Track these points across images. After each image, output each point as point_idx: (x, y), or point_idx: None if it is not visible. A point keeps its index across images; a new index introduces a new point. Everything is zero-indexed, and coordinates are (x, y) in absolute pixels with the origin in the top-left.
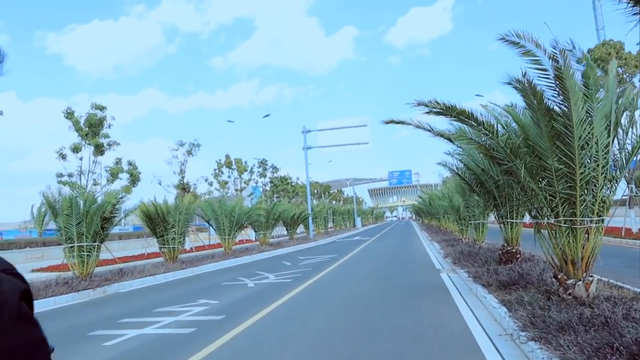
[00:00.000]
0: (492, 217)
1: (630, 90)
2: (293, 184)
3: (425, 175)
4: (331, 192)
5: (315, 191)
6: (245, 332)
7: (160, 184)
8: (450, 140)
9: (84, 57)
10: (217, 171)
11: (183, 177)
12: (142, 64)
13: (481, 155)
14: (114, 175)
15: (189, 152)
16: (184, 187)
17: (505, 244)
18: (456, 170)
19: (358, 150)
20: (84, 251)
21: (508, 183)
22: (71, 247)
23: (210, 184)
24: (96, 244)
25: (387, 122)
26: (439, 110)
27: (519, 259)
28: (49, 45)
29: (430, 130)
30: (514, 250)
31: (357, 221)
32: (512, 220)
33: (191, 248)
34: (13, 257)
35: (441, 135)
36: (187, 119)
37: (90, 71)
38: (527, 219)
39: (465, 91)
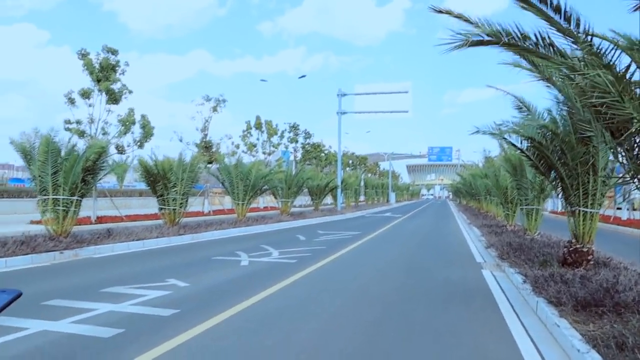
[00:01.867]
0: (549, 204)
1: None
2: (326, 152)
3: (466, 154)
4: (367, 164)
5: (350, 162)
6: (189, 343)
7: (181, 140)
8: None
9: (137, 15)
10: (245, 132)
11: (206, 135)
12: (192, 25)
13: (559, 116)
14: (126, 125)
15: (215, 109)
16: (206, 146)
17: (574, 240)
18: (515, 142)
19: (398, 123)
20: (59, 205)
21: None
22: (45, 200)
23: (237, 147)
24: (75, 198)
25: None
26: None
27: (591, 262)
28: (105, 3)
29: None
30: (585, 250)
31: (391, 196)
32: (586, 210)
33: (209, 211)
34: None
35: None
36: (233, 82)
37: (141, 29)
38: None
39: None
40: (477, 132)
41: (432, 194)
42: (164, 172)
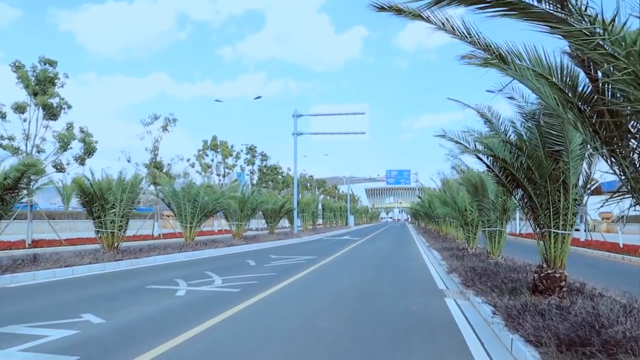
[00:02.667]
0: (508, 226)
1: None
2: (284, 174)
3: (425, 177)
4: (326, 187)
5: (308, 185)
6: None
7: (129, 161)
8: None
9: (95, 37)
10: (201, 152)
11: (156, 155)
12: (152, 47)
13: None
14: (64, 142)
15: (165, 128)
16: (156, 166)
17: (545, 265)
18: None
19: (357, 147)
20: None
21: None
22: None
23: (192, 165)
24: None
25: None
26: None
27: (564, 289)
28: (61, 23)
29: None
30: (557, 275)
31: (350, 219)
32: (557, 231)
33: (159, 235)
34: None
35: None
36: (193, 106)
37: (100, 51)
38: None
39: (470, 99)
40: (444, 135)
41: (391, 217)
42: (101, 192)
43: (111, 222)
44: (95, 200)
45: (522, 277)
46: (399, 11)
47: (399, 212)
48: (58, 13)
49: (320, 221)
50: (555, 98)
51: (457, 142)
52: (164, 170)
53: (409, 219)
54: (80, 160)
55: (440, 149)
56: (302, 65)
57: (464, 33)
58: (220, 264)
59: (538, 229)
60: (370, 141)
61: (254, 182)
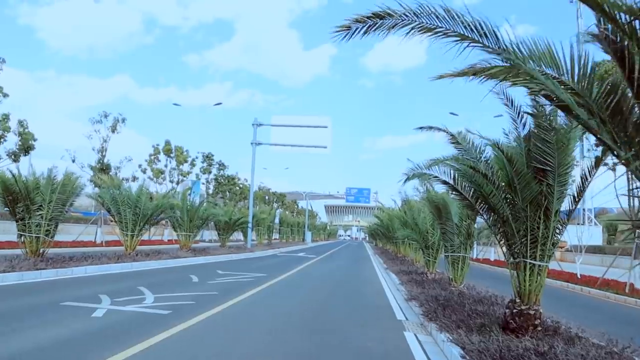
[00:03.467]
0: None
1: None
2: (241, 185)
3: (385, 198)
4: (285, 202)
5: (267, 198)
6: None
7: (74, 161)
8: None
9: (58, 33)
10: (152, 157)
11: (103, 157)
12: (117, 49)
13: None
14: None
15: (113, 128)
16: (102, 168)
17: (518, 300)
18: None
19: (318, 163)
20: None
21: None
22: None
23: (144, 171)
24: None
25: None
26: None
27: (539, 328)
28: (21, 16)
29: None
30: (531, 312)
31: (307, 236)
32: (534, 262)
33: (102, 242)
34: None
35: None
36: (155, 111)
37: (61, 48)
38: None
39: (433, 121)
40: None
41: (349, 235)
42: (27, 191)
43: (37, 226)
44: (19, 199)
45: (491, 310)
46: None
47: (357, 231)
48: (17, 5)
49: (276, 236)
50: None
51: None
52: (111, 173)
53: (367, 238)
54: (14, 157)
55: (400, 170)
56: (269, 78)
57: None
58: (158, 279)
59: (512, 259)
60: (332, 158)
61: (210, 191)
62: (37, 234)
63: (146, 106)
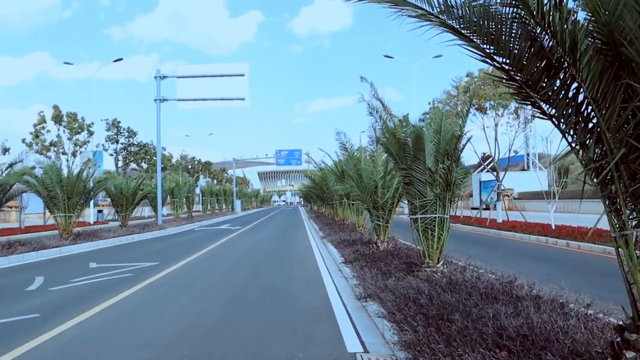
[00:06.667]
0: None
1: None
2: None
3: (317, 158)
4: (211, 170)
5: (190, 167)
6: None
7: None
8: None
9: None
10: (37, 127)
11: None
12: (33, 24)
13: None
14: None
15: None
16: None
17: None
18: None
19: (248, 130)
20: None
21: None
22: None
23: (29, 145)
24: None
25: None
26: None
27: None
28: None
29: None
30: None
31: (237, 204)
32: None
33: None
34: None
35: None
36: (77, 88)
37: None
38: None
39: (362, 86)
40: None
41: (284, 200)
42: None
43: None
44: None
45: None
46: None
47: (292, 195)
48: None
49: (198, 207)
50: None
51: None
52: None
53: (302, 202)
54: None
55: (332, 133)
56: (194, 48)
57: None
58: None
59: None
60: (263, 125)
61: (120, 163)
62: None
63: (66, 83)
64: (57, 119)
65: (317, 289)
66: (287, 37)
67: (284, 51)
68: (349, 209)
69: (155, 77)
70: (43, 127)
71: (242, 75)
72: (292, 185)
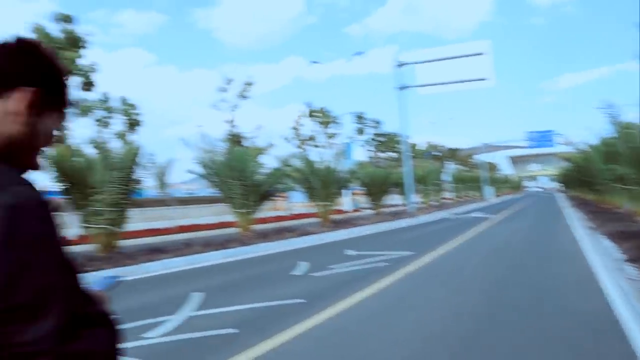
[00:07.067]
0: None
1: None
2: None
3: (574, 138)
4: (458, 156)
5: (434, 154)
6: None
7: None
8: None
9: (230, 29)
10: (297, 123)
11: (233, 126)
12: (285, 33)
13: None
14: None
15: (242, 94)
16: (236, 139)
17: None
18: None
19: (491, 114)
20: None
21: None
22: None
23: (287, 140)
24: None
25: None
26: None
27: None
28: (199, 20)
29: None
30: None
31: (487, 191)
32: None
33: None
34: None
35: None
36: (325, 85)
37: (236, 43)
38: None
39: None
40: None
41: (537, 186)
42: (79, 172)
43: (97, 214)
44: (74, 184)
45: None
46: None
47: (546, 180)
48: (193, 12)
49: (448, 195)
50: None
51: None
52: (242, 144)
53: (558, 188)
54: (121, 136)
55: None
56: (431, 35)
57: None
58: (241, 274)
59: None
60: (507, 107)
61: (368, 153)
62: (105, 223)
63: (319, 83)
64: (311, 114)
65: (593, 293)
66: (527, 10)
67: (523, 26)
68: (621, 195)
69: (395, 66)
70: (299, 124)
71: (483, 54)
72: (546, 169)
